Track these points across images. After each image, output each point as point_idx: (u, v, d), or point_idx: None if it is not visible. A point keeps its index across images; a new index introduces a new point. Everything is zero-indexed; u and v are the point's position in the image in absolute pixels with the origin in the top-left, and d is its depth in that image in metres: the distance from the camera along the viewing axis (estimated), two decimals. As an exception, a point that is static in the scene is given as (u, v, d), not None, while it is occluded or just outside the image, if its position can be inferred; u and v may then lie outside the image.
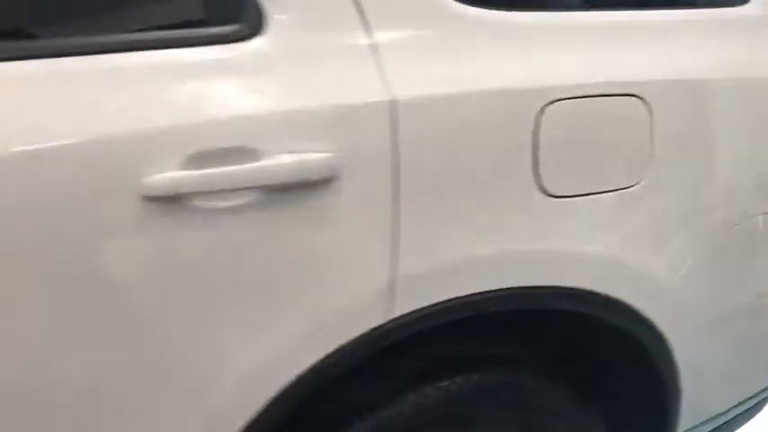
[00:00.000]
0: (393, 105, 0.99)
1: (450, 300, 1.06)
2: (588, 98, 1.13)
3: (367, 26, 1.02)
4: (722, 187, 1.31)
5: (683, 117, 1.24)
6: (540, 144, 1.09)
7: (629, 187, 1.17)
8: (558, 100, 1.10)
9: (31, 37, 0.96)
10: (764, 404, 1.59)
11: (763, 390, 1.53)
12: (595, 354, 1.30)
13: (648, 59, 1.23)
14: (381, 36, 1.02)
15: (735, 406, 1.47)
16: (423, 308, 1.05)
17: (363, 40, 1.01)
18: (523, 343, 1.23)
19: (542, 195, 1.10)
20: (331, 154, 0.96)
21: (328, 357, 1.00)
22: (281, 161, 0.93)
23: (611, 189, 1.16)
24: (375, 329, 1.02)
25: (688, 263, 1.28)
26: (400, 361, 1.12)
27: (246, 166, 0.92)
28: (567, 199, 1.12)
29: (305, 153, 0.95)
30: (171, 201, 0.89)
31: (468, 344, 1.19)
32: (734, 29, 1.37)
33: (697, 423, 1.39)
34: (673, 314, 1.27)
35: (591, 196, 1.14)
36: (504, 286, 1.10)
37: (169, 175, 0.89)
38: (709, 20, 1.36)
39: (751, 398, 1.51)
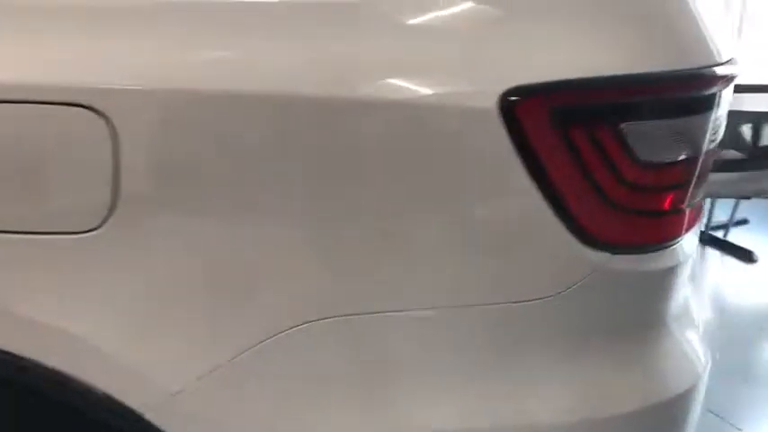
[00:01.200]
0: None
1: None
2: None
3: None
4: (269, 253, 0.88)
5: (184, 144, 0.85)
6: None
7: (73, 233, 0.86)
8: None
9: None
10: None
11: None
12: None
13: (133, 60, 0.84)
14: None
15: None
16: None
17: None
18: None
19: None
20: None
21: None
22: None
23: (29, 231, 0.86)
24: None
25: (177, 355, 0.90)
26: None
27: None
28: None
29: None
30: None
31: None
32: (319, 19, 0.88)
33: None
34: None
35: None
36: None
37: None
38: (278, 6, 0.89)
39: None
